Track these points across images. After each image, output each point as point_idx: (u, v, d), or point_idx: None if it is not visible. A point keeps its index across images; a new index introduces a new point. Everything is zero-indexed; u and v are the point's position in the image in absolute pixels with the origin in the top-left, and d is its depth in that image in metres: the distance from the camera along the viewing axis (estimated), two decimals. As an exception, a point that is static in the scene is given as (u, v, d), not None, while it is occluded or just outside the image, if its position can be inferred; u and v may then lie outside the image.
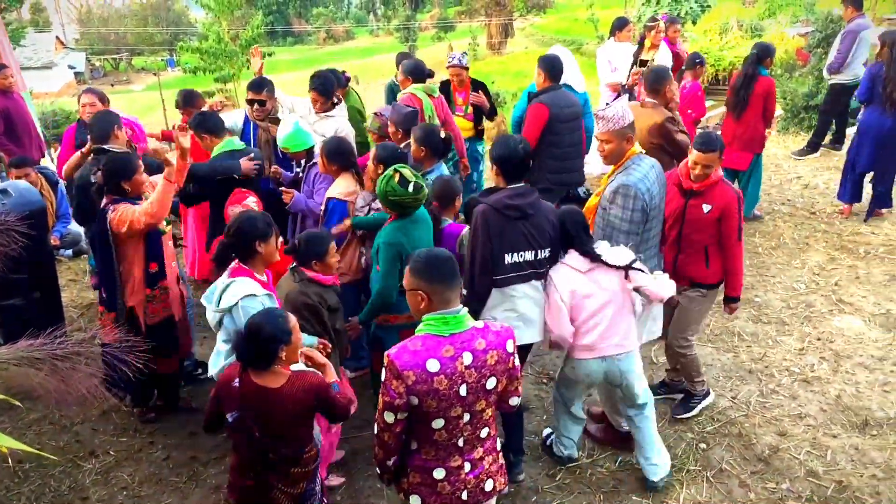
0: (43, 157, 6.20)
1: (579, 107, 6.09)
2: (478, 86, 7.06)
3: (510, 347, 2.79)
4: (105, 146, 4.85)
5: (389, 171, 3.99)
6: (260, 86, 5.85)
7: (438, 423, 2.73)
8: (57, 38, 47.09)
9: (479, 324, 2.79)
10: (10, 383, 3.24)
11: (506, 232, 3.77)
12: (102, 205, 4.38)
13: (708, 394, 4.88)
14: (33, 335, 2.91)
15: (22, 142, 6.48)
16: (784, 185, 8.95)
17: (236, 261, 3.66)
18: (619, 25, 8.24)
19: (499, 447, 3.02)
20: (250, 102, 5.85)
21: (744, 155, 7.36)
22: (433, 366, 2.62)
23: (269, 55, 26.54)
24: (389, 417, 2.69)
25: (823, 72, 9.74)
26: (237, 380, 3.06)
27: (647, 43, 7.78)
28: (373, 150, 4.74)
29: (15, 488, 4.39)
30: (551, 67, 5.94)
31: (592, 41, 27.95)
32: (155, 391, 4.94)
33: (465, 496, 2.87)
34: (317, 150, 5.17)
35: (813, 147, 9.91)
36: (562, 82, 6.38)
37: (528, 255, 3.82)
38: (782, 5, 22.50)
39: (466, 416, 2.76)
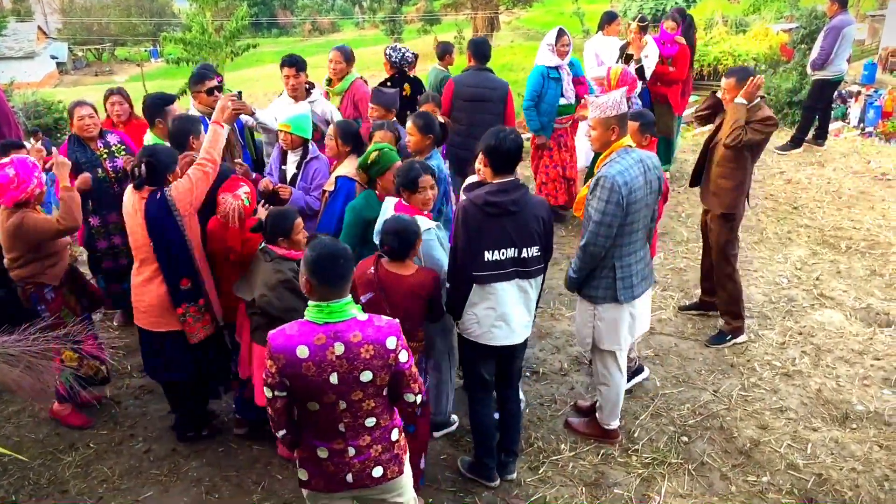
0: (22, 147, 6.10)
1: (496, 90, 6.59)
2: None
3: (391, 344, 2.76)
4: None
5: (374, 152, 4.29)
6: (206, 75, 5.57)
7: (313, 406, 2.80)
8: (39, 27, 46.48)
9: (363, 316, 2.78)
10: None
11: (485, 228, 3.67)
12: (146, 195, 4.12)
13: (640, 370, 5.10)
14: (7, 331, 2.87)
15: (1, 132, 6.40)
16: (767, 179, 8.99)
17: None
18: (608, 20, 8.21)
19: (395, 437, 2.99)
20: (209, 91, 5.48)
21: None
22: (302, 352, 2.68)
23: (254, 46, 26.32)
24: (269, 393, 2.81)
25: (807, 68, 9.81)
26: (372, 268, 3.74)
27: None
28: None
29: (-7, 482, 4.35)
30: (475, 49, 6.80)
31: (578, 35, 27.88)
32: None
33: (349, 478, 2.91)
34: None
35: (796, 142, 9.96)
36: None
37: (511, 253, 3.71)
38: (767, 1, 22.58)
39: (343, 404, 2.79)
